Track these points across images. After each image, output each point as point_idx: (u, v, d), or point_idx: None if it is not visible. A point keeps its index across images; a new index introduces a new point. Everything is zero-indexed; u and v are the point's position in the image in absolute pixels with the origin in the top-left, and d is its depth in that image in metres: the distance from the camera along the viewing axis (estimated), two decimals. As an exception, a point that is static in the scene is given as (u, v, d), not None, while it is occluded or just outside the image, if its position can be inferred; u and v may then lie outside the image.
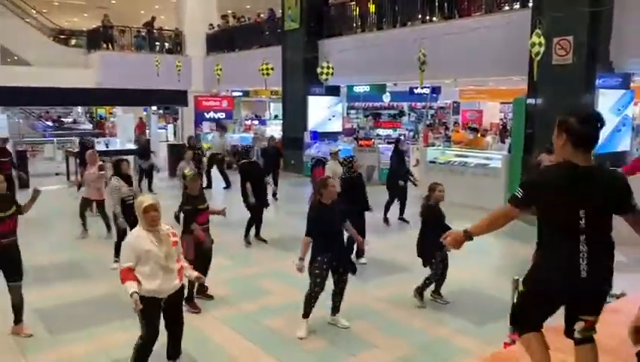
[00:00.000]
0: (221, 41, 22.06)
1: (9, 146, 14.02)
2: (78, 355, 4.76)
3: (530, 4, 10.90)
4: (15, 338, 5.04)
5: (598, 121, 2.76)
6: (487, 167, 11.36)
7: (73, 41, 24.17)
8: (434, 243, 5.65)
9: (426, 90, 18.07)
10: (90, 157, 8.85)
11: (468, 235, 3.05)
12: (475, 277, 6.84)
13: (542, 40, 9.16)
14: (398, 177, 9.70)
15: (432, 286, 5.93)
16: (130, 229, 6.64)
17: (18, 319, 5.08)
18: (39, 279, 6.56)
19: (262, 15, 20.20)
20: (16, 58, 20.96)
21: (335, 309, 5.35)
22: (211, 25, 22.43)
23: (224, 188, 13.49)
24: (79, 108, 27.27)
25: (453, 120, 21.44)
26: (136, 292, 3.76)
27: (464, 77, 14.69)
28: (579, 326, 2.80)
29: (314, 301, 5.10)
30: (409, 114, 24.13)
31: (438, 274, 5.82)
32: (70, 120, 26.11)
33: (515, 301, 3.11)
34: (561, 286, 2.77)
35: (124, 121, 18.44)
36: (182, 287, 4.15)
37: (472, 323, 5.44)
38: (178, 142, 17.45)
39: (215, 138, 14.80)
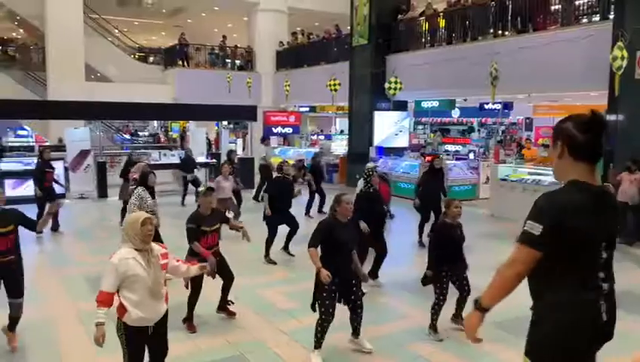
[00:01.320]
0: (290, 57, 22.51)
1: (90, 157, 14.92)
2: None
3: (612, 17, 10.39)
4: (92, 342, 5.24)
5: (601, 125, 2.30)
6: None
7: (151, 59, 25.45)
8: (443, 266, 5.35)
9: (498, 106, 17.57)
10: (138, 170, 9.04)
11: (482, 309, 2.39)
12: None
13: (624, 53, 8.71)
14: (428, 196, 9.19)
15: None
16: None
17: (11, 327, 5.03)
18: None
19: (330, 32, 20.45)
20: (99, 75, 22.26)
21: (355, 331, 5.04)
22: (281, 42, 22.95)
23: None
24: (155, 123, 28.56)
25: (526, 136, 20.67)
26: (102, 325, 3.44)
27: (538, 92, 14.20)
28: None
29: (324, 331, 4.72)
30: (479, 130, 23.52)
31: (439, 302, 5.37)
32: (146, 133, 27.37)
33: None
34: (588, 336, 2.25)
35: (196, 135, 19.08)
36: (167, 312, 3.77)
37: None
38: (247, 156, 17.86)
39: (267, 151, 14.84)
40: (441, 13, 15.24)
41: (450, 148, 20.70)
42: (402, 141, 17.05)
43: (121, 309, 3.53)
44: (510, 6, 13.20)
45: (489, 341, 5.36)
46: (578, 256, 2.22)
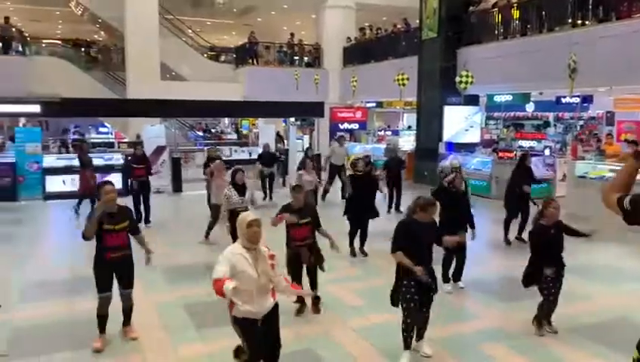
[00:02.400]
0: (357, 53, 22.43)
1: (166, 154, 15.55)
2: (225, 349, 5.05)
3: None
4: (165, 332, 5.48)
5: None
6: (649, 184, 10.15)
7: (223, 58, 26.15)
8: (544, 266, 5.19)
9: (576, 100, 16.72)
10: (217, 167, 9.39)
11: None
12: (625, 304, 6.10)
13: None
14: (516, 195, 8.98)
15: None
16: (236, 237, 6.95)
17: (126, 321, 5.30)
18: (187, 276, 7.11)
19: (399, 26, 20.19)
20: (173, 74, 23.13)
21: (418, 333, 4.91)
22: (349, 38, 22.92)
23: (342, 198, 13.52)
24: (226, 120, 29.36)
25: (607, 131, 19.54)
26: (231, 289, 3.46)
27: (622, 85, 13.34)
28: None
29: (409, 329, 4.71)
30: (555, 125, 22.47)
31: (550, 301, 5.24)
32: (218, 130, 28.20)
33: None
34: None
35: (265, 132, 19.44)
36: (276, 305, 3.95)
37: (619, 353, 4.85)
38: (314, 152, 17.98)
39: (335, 149, 14.76)
40: (515, 4, 14.64)
41: (525, 143, 19.91)
42: (473, 137, 16.57)
43: (231, 303, 3.70)
44: (591, -7, 12.50)
45: (563, 345, 5.13)
46: None
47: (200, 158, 19.61)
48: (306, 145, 17.81)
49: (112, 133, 23.63)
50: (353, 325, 5.65)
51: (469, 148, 15.75)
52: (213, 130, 27.90)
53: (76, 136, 19.14)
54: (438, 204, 5.07)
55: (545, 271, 5.21)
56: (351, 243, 8.26)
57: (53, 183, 13.77)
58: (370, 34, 22.31)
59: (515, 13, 14.59)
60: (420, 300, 4.66)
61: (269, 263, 3.81)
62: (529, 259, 5.39)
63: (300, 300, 5.91)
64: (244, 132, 26.58)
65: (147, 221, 10.54)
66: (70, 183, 13.84)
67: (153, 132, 16.00)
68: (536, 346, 5.13)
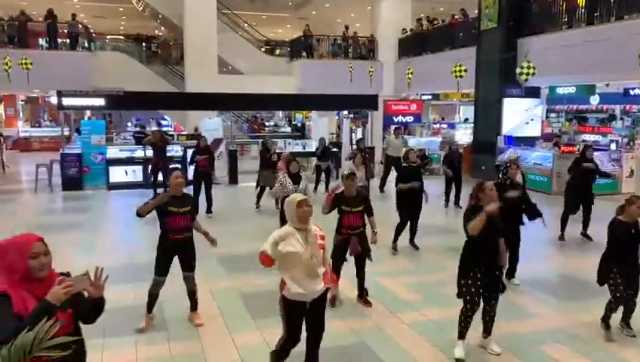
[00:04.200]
0: (413, 44, 22.08)
1: (222, 146, 15.87)
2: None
3: None
4: (224, 319, 5.61)
5: None
6: None
7: (278, 51, 26.38)
8: (617, 263, 4.97)
9: (646, 91, 15.85)
10: (284, 159, 9.53)
11: None
12: None
13: None
14: (576, 189, 8.74)
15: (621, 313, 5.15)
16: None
17: (193, 306, 5.52)
18: (244, 266, 7.23)
19: (456, 16, 19.72)
20: (230, 67, 23.53)
21: (486, 330, 4.84)
22: (404, 29, 22.59)
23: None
24: (280, 113, 29.64)
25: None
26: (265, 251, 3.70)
27: (697, 74, 12.54)
28: None
29: (467, 320, 4.67)
30: (622, 118, 21.38)
31: (618, 298, 4.99)
32: (272, 123, 28.50)
33: None
34: None
35: (318, 125, 19.50)
36: (326, 291, 3.96)
37: None
38: (368, 145, 17.87)
39: (391, 141, 14.63)
40: (581, -9, 14.00)
41: (589, 138, 19.07)
42: (534, 130, 16.01)
43: (282, 283, 3.82)
44: (665, -22, 11.79)
45: (629, 348, 4.90)
46: None
47: (255, 151, 19.98)
48: (359, 137, 17.72)
49: (171, 126, 24.35)
50: (406, 319, 5.61)
51: (529, 141, 15.23)
52: (272, 124, 28.22)
53: (137, 129, 19.77)
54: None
55: (614, 269, 4.99)
56: (396, 239, 8.14)
57: (116, 174, 14.33)
58: (427, 25, 21.90)
59: (581, 1, 13.95)
60: (484, 294, 4.63)
61: (319, 243, 3.82)
62: (602, 254, 5.18)
63: (361, 297, 5.96)
64: (298, 125, 26.76)
65: (209, 211, 10.79)
66: (132, 174, 14.41)
67: (210, 125, 16.36)
68: (597, 349, 4.92)
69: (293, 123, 27.08)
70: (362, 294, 5.98)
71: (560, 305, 6.06)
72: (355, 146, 13.56)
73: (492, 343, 4.84)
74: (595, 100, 19.96)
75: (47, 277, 2.47)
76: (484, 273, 4.60)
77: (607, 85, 16.67)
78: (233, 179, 15.28)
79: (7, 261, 2.41)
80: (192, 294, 5.47)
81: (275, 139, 16.27)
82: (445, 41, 19.80)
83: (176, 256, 5.32)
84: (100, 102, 14.60)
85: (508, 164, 6.87)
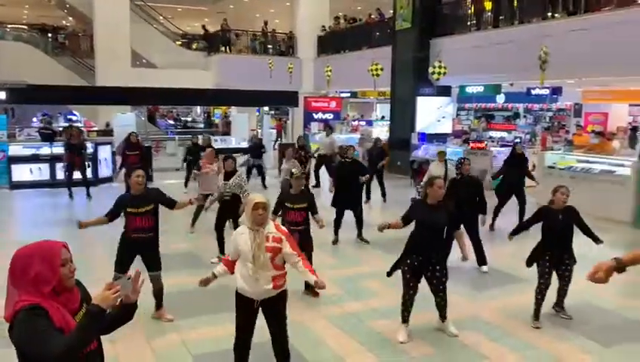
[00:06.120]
0: (332, 42, 22.37)
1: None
2: (196, 340, 5.03)
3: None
4: (140, 320, 5.40)
5: None
6: (614, 175, 10.45)
7: (195, 45, 25.77)
8: (545, 248, 5.35)
9: (545, 91, 17.01)
10: (208, 155, 9.34)
11: (619, 264, 2.64)
12: (599, 291, 6.28)
13: (685, 35, 8.25)
14: (509, 183, 9.39)
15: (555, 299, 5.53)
16: (219, 225, 7.07)
17: (158, 304, 5.47)
18: (166, 267, 7.00)
19: (372, 16, 20.18)
20: (144, 61, 22.71)
21: (441, 316, 5.15)
22: (323, 27, 22.81)
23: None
24: (198, 108, 29.00)
25: (575, 122, 19.97)
26: (214, 274, 3.97)
27: (590, 77, 13.62)
28: None
29: (406, 304, 5.02)
30: (525, 116, 22.85)
31: (540, 288, 5.33)
32: (189, 119, 27.84)
33: None
34: None
35: (238, 121, 19.28)
36: (281, 293, 3.96)
37: (596, 342, 5.00)
38: (288, 141, 17.92)
39: (323, 138, 14.94)
40: (488, -5, 14.80)
41: (495, 134, 20.20)
42: (445, 127, 16.75)
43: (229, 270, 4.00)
44: (561, -13, 12.71)
45: (531, 331, 5.25)
46: None
47: (171, 147, 19.43)
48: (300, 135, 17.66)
49: (81, 122, 23.10)
50: (326, 313, 5.69)
51: (441, 138, 15.90)
52: (183, 119, 27.55)
53: (42, 125, 18.57)
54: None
55: (546, 255, 5.32)
56: (336, 232, 8.41)
57: (20, 172, 13.40)
58: (345, 23, 22.25)
59: (488, 5, 14.74)
60: (430, 285, 5.01)
61: (271, 245, 3.82)
62: (537, 245, 5.49)
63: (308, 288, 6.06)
64: (216, 120, 26.33)
65: None
66: (38, 172, 13.54)
67: (123, 120, 15.69)
68: (507, 334, 5.24)
69: (212, 119, 26.62)
70: (308, 286, 6.05)
71: (473, 294, 6.38)
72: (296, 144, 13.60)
73: (449, 326, 5.15)
74: (501, 99, 21.13)
75: (74, 287, 2.27)
76: (422, 262, 4.91)
77: (511, 85, 17.70)
78: (147, 176, 14.70)
79: (34, 272, 2.13)
80: (159, 292, 5.40)
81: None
82: (363, 39, 20.23)
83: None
84: (0, 95, 13.59)
85: (462, 160, 7.21)
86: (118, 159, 14.62)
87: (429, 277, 4.99)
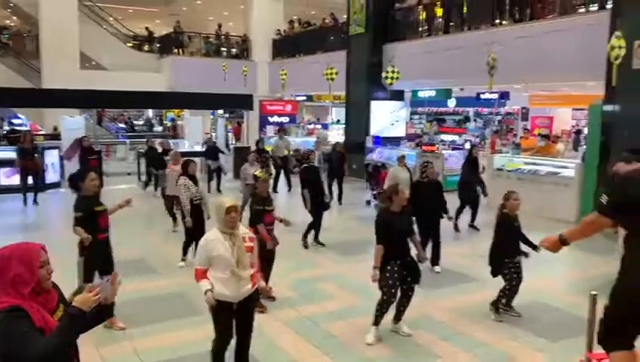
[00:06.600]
0: (287, 46, 22.37)
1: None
2: (149, 349, 4.92)
3: (609, 6, 10.36)
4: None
5: None
6: (559, 176, 10.88)
7: (146, 47, 25.24)
8: (507, 254, 5.52)
9: (494, 96, 17.57)
10: (174, 156, 9.37)
11: (563, 239, 3.07)
12: (548, 289, 6.53)
13: (622, 43, 8.68)
14: (469, 185, 9.66)
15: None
16: (197, 229, 6.87)
17: (110, 312, 5.29)
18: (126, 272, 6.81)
19: (327, 20, 20.32)
20: (94, 63, 22.08)
21: (398, 317, 5.25)
22: (278, 30, 22.80)
23: (288, 190, 13.74)
24: (150, 112, 28.40)
25: (522, 126, 20.71)
26: (210, 291, 3.77)
27: (536, 82, 14.17)
28: None
29: (385, 309, 5.03)
30: (475, 120, 23.51)
31: (513, 285, 5.55)
32: (141, 122, 27.24)
33: (602, 317, 2.90)
34: None
35: (192, 124, 19.00)
36: (256, 290, 4.08)
37: (545, 339, 5.19)
38: (243, 145, 17.80)
39: (277, 141, 14.96)
40: (438, 2, 15.15)
41: (446, 138, 20.69)
42: (399, 131, 17.02)
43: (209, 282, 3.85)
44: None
45: (484, 329, 5.40)
46: None
47: (122, 151, 18.97)
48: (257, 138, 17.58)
49: (26, 125, 22.21)
50: (282, 317, 5.67)
51: (394, 141, 16.16)
52: (136, 122, 26.95)
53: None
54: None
55: (506, 260, 5.48)
56: (306, 236, 8.48)
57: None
58: (299, 27, 22.30)
59: (438, 11, 15.09)
60: (401, 286, 5.03)
61: (247, 246, 3.92)
62: (493, 247, 5.61)
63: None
64: (168, 124, 25.88)
65: None
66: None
67: (71, 124, 15.20)
68: (456, 332, 5.37)
69: (165, 122, 26.16)
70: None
71: (426, 294, 6.48)
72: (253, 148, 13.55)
73: (403, 326, 5.23)
74: (452, 103, 21.71)
75: (51, 288, 2.30)
76: (401, 266, 4.98)
77: (461, 90, 18.22)
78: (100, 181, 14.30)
79: (13, 273, 2.15)
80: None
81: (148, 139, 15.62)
82: (317, 43, 20.32)
83: None
84: (-63, 97, 12.93)
85: (426, 164, 7.35)
86: (67, 163, 14.25)
87: (409, 281, 5.09)
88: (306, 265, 7.68)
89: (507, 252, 5.53)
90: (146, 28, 23.72)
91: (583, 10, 11.67)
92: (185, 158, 8.24)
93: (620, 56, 8.75)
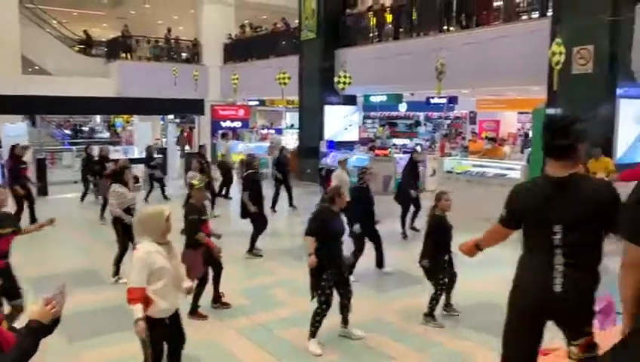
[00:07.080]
0: (238, 50, 22.21)
1: (29, 154, 14.21)
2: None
3: (550, 13, 10.79)
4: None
5: (553, 127, 2.63)
6: (506, 178, 11.20)
7: (93, 51, 24.51)
8: (439, 254, 5.62)
9: (443, 100, 17.96)
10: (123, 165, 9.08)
11: (477, 245, 3.18)
12: (490, 289, 6.67)
13: (562, 49, 9.05)
14: (408, 187, 9.71)
15: (443, 299, 5.75)
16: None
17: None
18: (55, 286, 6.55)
19: (278, 25, 20.30)
20: (37, 67, 21.27)
21: (345, 321, 5.24)
22: (229, 34, 22.60)
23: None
24: (97, 117, 27.59)
25: (470, 130, 21.26)
26: (142, 320, 3.45)
27: (482, 87, 14.57)
28: (573, 352, 2.69)
29: (322, 320, 4.94)
30: (425, 124, 23.97)
31: (441, 290, 5.58)
32: (87, 128, 26.43)
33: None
34: (533, 298, 2.71)
35: (141, 130, 18.56)
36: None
37: (497, 337, 5.28)
38: (194, 150, 17.51)
39: (222, 147, 14.81)
40: (388, 8, 15.39)
41: (398, 141, 20.99)
42: (352, 135, 17.16)
43: (147, 302, 3.52)
44: (455, 2, 13.49)
45: (437, 331, 5.48)
46: (531, 234, 2.75)
47: (68, 159, 18.32)
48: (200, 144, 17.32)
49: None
50: (235, 325, 5.60)
51: (348, 146, 16.28)
52: (84, 128, 26.13)
53: None
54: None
55: (441, 258, 5.56)
56: (254, 244, 8.30)
57: None
58: (250, 32, 22.19)
59: (388, 18, 15.33)
60: (339, 291, 5.06)
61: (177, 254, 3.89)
62: (428, 249, 5.62)
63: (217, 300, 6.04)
64: (118, 130, 25.22)
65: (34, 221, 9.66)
66: None
67: (13, 130, 14.59)
68: (408, 333, 5.43)
69: (113, 128, 25.49)
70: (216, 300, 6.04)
71: (375, 296, 6.55)
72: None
73: (353, 330, 5.22)
74: (403, 108, 22.05)
75: None
76: (334, 273, 4.94)
77: (412, 95, 18.53)
78: (42, 190, 13.79)
79: None
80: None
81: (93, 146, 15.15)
82: (269, 48, 20.27)
83: None
84: None
85: (364, 170, 7.34)
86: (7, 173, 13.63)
87: (343, 286, 5.09)
88: (258, 272, 7.61)
89: (441, 251, 5.61)
90: (84, 31, 22.97)
91: (525, 17, 12.11)
92: (121, 165, 7.96)
93: (560, 62, 9.12)
